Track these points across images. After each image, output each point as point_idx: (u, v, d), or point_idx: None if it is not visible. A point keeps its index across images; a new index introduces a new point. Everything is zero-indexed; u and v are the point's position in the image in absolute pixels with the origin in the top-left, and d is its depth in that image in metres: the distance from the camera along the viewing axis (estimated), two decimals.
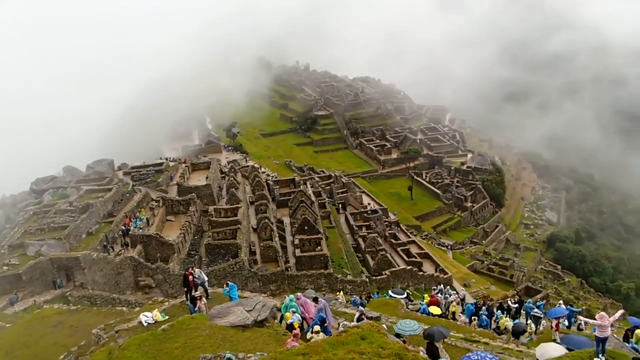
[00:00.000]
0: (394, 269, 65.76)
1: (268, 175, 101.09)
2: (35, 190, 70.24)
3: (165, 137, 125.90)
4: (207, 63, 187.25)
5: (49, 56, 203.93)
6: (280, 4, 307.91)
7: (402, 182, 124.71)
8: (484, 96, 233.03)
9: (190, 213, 61.03)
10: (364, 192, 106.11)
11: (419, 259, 73.47)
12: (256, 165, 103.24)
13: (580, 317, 28.53)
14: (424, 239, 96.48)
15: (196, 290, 26.54)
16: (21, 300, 41.03)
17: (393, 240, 79.58)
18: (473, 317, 36.00)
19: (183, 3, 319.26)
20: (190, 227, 58.87)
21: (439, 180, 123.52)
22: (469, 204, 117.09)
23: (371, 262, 68.19)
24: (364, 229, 78.70)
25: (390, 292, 44.21)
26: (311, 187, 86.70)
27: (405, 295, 42.94)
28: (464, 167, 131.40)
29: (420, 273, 68.19)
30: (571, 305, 37.10)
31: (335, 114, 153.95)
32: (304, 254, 61.37)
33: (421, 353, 18.10)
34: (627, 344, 24.65)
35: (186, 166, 79.82)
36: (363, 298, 44.22)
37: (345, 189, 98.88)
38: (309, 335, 20.64)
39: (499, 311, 35.92)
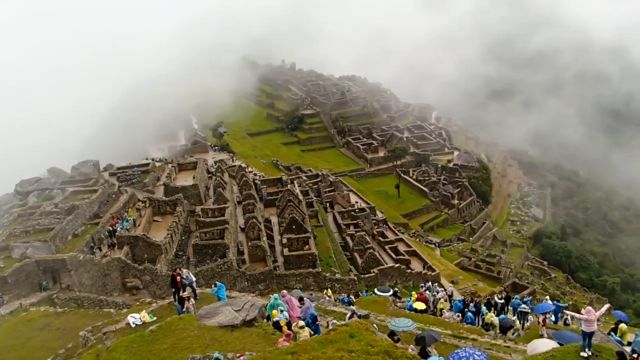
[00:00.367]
0: (382, 267, 65.92)
1: (255, 174, 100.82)
2: (19, 192, 69.44)
3: (151, 138, 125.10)
4: (193, 63, 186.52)
5: (32, 57, 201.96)
6: (264, 4, 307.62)
7: (390, 181, 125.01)
8: (468, 94, 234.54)
9: (177, 213, 60.73)
10: (351, 190, 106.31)
11: (406, 257, 73.68)
12: (243, 165, 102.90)
13: (567, 312, 28.80)
14: (411, 236, 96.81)
15: (184, 291, 26.43)
16: (7, 303, 40.54)
17: (381, 239, 79.80)
18: (458, 314, 36.32)
19: (167, 3, 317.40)
20: (177, 227, 58.59)
21: (426, 178, 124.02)
22: (456, 202, 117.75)
23: (359, 261, 68.31)
24: (351, 228, 78.86)
25: (376, 290, 44.41)
26: (299, 186, 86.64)
27: (391, 292, 43.13)
28: (451, 165, 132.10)
29: (408, 271, 68.43)
30: (558, 301, 37.54)
31: (321, 112, 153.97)
32: (292, 253, 61.33)
33: (410, 350, 18.17)
34: (612, 337, 24.93)
35: (173, 166, 79.42)
36: (351, 296, 44.40)
37: (332, 188, 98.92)
38: (294, 328, 20.78)
39: (484, 307, 36.21)
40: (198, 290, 28.79)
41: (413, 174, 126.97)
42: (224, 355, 18.42)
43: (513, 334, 30.43)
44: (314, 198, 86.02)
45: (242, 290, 45.09)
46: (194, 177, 72.25)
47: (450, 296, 45.45)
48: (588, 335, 18.67)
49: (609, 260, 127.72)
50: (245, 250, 59.51)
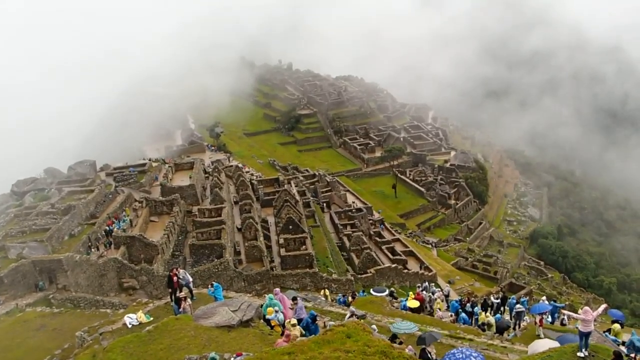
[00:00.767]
0: (378, 267, 66.03)
1: (252, 174, 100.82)
2: (16, 193, 69.25)
3: (147, 138, 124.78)
4: (189, 63, 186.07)
5: (28, 57, 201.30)
6: (261, 4, 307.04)
7: (386, 181, 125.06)
8: (465, 94, 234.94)
9: (174, 213, 60.66)
10: (348, 190, 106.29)
11: (403, 257, 73.79)
12: (240, 165, 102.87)
13: (564, 312, 28.87)
14: (408, 236, 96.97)
15: (181, 291, 26.44)
16: (3, 304, 40.42)
17: (378, 239, 79.82)
18: (451, 314, 36.45)
19: (164, 3, 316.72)
20: (174, 227, 58.52)
21: (423, 178, 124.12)
22: (453, 202, 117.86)
23: (356, 261, 68.35)
24: (348, 228, 78.89)
25: (371, 290, 44.42)
26: (295, 186, 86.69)
27: (387, 292, 43.16)
28: (448, 165, 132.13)
29: (405, 271, 68.54)
30: (554, 301, 37.55)
31: (318, 112, 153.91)
32: (289, 253, 61.36)
33: (407, 351, 18.20)
34: (609, 337, 25.01)
35: (169, 166, 79.33)
36: (347, 296, 44.46)
37: (329, 188, 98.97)
38: (286, 324, 20.91)
39: (476, 308, 36.31)
40: (195, 291, 28.77)
41: (410, 174, 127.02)
42: (220, 356, 18.42)
43: (510, 334, 30.49)
44: (311, 198, 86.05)
45: (239, 291, 45.03)
46: (190, 177, 72.19)
47: (447, 296, 45.52)
48: (585, 335, 18.73)
49: (605, 260, 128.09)
50: (242, 251, 59.44)
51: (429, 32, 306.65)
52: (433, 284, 60.19)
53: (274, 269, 58.33)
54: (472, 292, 67.52)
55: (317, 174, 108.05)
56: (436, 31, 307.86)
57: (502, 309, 36.34)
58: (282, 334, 19.95)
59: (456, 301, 38.90)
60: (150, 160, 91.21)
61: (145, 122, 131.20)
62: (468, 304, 37.18)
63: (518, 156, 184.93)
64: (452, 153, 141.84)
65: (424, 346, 20.47)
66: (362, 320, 24.48)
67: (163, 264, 51.53)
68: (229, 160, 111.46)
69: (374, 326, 23.80)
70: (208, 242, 55.41)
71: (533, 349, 21.67)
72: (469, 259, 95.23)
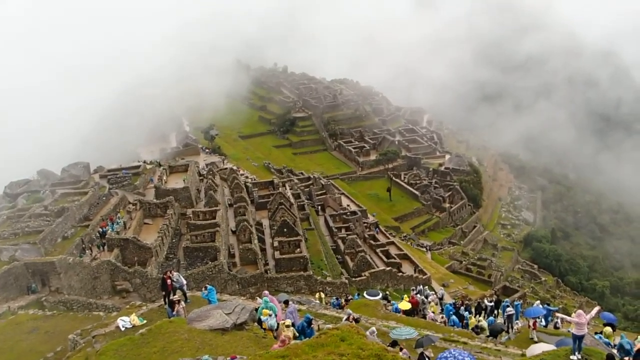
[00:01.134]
0: (373, 270, 65.98)
1: (247, 177, 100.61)
2: (9, 194, 68.97)
3: (142, 140, 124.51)
4: (185, 65, 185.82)
5: (24, 60, 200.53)
6: (256, 7, 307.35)
7: (381, 184, 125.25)
8: (460, 97, 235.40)
9: (168, 216, 60.44)
10: (343, 193, 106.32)
11: (398, 260, 73.78)
12: (235, 168, 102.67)
13: (558, 314, 28.96)
14: (402, 240, 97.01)
15: (174, 294, 26.33)
16: None
17: (372, 242, 79.86)
18: (442, 316, 36.53)
19: (159, 5, 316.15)
20: (168, 230, 58.31)
21: (418, 182, 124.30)
22: (447, 205, 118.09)
23: (350, 264, 68.29)
24: (343, 231, 78.76)
25: (365, 294, 44.38)
26: (290, 189, 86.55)
27: (380, 295, 43.16)
28: (442, 168, 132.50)
29: (400, 274, 68.55)
30: (548, 304, 37.66)
31: (313, 115, 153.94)
32: (283, 256, 61.21)
33: (401, 354, 18.19)
34: (602, 339, 25.09)
35: (164, 169, 79.10)
36: (340, 299, 44.45)
37: (324, 191, 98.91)
38: (280, 325, 20.88)
39: (467, 312, 36.37)
40: (188, 293, 28.67)
41: (404, 177, 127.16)
42: (214, 359, 18.36)
43: (504, 337, 30.53)
44: (306, 201, 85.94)
45: (233, 294, 44.93)
46: (184, 180, 72.00)
47: (441, 299, 45.57)
48: (578, 338, 18.81)
49: (599, 264, 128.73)
50: (236, 253, 59.31)
51: (425, 35, 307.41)
52: (427, 287, 60.35)
53: (268, 271, 58.20)
54: (466, 296, 67.52)
55: (312, 176, 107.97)
56: (431, 35, 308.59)
57: (495, 312, 36.39)
58: (276, 338, 19.94)
59: (450, 304, 38.96)
60: (145, 162, 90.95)
61: (140, 124, 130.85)
62: (462, 307, 37.24)
63: (512, 160, 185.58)
64: (447, 156, 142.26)
65: (421, 349, 20.52)
66: (358, 324, 24.50)
67: (157, 266, 51.32)
68: (223, 162, 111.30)
69: (373, 328, 23.77)
70: (202, 244, 55.22)
71: (531, 352, 21.75)
72: (463, 262, 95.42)
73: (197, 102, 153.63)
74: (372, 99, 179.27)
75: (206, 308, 23.71)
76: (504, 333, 31.17)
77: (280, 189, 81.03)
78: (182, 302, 25.36)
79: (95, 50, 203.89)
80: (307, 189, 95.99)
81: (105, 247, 51.49)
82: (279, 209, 70.08)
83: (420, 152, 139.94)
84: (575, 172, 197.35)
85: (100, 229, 54.19)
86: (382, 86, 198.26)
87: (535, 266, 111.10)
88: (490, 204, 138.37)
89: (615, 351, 21.55)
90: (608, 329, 27.58)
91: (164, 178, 74.44)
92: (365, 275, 63.87)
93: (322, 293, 48.32)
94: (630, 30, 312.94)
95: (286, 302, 26.43)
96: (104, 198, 62.60)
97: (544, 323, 33.21)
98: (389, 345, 21.12)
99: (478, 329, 32.58)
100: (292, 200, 77.67)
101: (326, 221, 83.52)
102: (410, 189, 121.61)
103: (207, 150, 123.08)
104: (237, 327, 21.96)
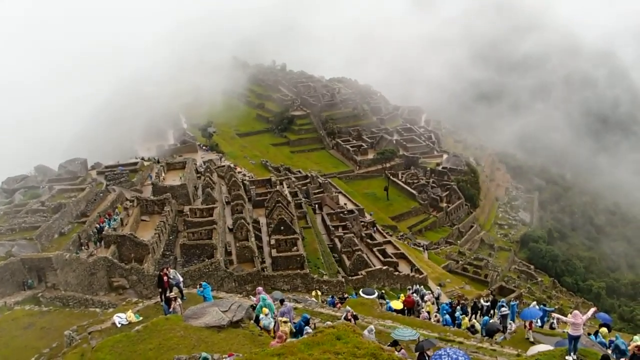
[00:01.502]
0: (370, 269, 65.99)
1: (244, 175, 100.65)
2: (5, 190, 68.78)
3: (139, 137, 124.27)
4: (182, 62, 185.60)
5: (21, 55, 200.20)
6: (255, 4, 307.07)
7: (378, 183, 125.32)
8: (457, 97, 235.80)
9: (165, 213, 60.42)
10: (340, 192, 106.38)
11: (394, 259, 73.83)
12: (232, 165, 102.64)
13: (554, 314, 28.98)
14: (399, 239, 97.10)
15: (171, 291, 26.36)
16: None
17: (369, 241, 79.90)
18: (436, 315, 36.57)
19: (158, 3, 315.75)
20: (165, 227, 58.28)
21: (415, 181, 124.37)
22: (444, 205, 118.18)
23: (347, 263, 68.33)
24: (340, 229, 78.82)
25: (360, 292, 44.38)
26: (287, 187, 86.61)
27: (376, 294, 43.19)
28: (440, 168, 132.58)
29: (396, 273, 68.58)
30: (544, 305, 37.72)
31: (311, 114, 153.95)
32: (280, 254, 61.27)
33: (396, 353, 18.23)
34: (596, 340, 25.14)
35: (161, 166, 79.01)
36: (335, 297, 44.50)
37: (321, 189, 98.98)
38: (278, 320, 20.93)
39: (459, 312, 36.41)
40: (185, 291, 28.68)
41: (402, 177, 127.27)
42: (210, 356, 18.37)
43: (499, 337, 30.56)
44: (303, 199, 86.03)
45: (230, 291, 44.90)
46: (181, 177, 71.91)
47: (437, 299, 45.61)
48: (574, 339, 18.85)
49: (595, 265, 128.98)
50: (233, 251, 59.30)
51: (423, 35, 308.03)
52: (423, 286, 60.38)
53: (265, 269, 58.21)
54: (462, 295, 67.64)
55: (309, 175, 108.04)
56: (429, 34, 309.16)
57: (491, 312, 36.44)
58: (274, 337, 19.96)
59: (446, 304, 39.01)
60: (142, 159, 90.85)
61: (138, 121, 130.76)
62: (458, 307, 37.28)
63: (509, 160, 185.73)
64: (444, 156, 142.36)
65: (422, 351, 20.58)
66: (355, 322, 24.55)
67: (153, 263, 51.33)
68: (221, 160, 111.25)
69: (371, 326, 23.78)
70: (199, 242, 55.21)
71: (531, 353, 21.84)
72: (460, 262, 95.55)
73: (194, 100, 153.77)
74: (370, 97, 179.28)
75: (202, 305, 23.72)
76: (499, 333, 31.20)
77: (277, 187, 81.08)
78: (179, 299, 25.37)
79: (92, 47, 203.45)
80: (305, 188, 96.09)
81: (102, 243, 51.43)
82: (276, 207, 70.11)
83: (418, 151, 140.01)
84: (572, 172, 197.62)
85: (98, 225, 54.10)
86: (380, 85, 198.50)
87: (532, 266, 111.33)
88: (487, 204, 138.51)
89: (610, 351, 21.64)
90: (604, 330, 27.66)
91: (162, 175, 74.36)
92: (361, 274, 63.89)
93: (318, 291, 48.38)
94: (628, 31, 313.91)
95: (282, 301, 26.42)
96: (101, 194, 62.46)
97: (539, 323, 33.26)
98: (389, 345, 21.18)
99: (472, 329, 32.62)
100: (290, 198, 77.74)
101: (323, 220, 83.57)
102: (408, 188, 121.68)
103: (204, 148, 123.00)
104: (233, 325, 21.99)
